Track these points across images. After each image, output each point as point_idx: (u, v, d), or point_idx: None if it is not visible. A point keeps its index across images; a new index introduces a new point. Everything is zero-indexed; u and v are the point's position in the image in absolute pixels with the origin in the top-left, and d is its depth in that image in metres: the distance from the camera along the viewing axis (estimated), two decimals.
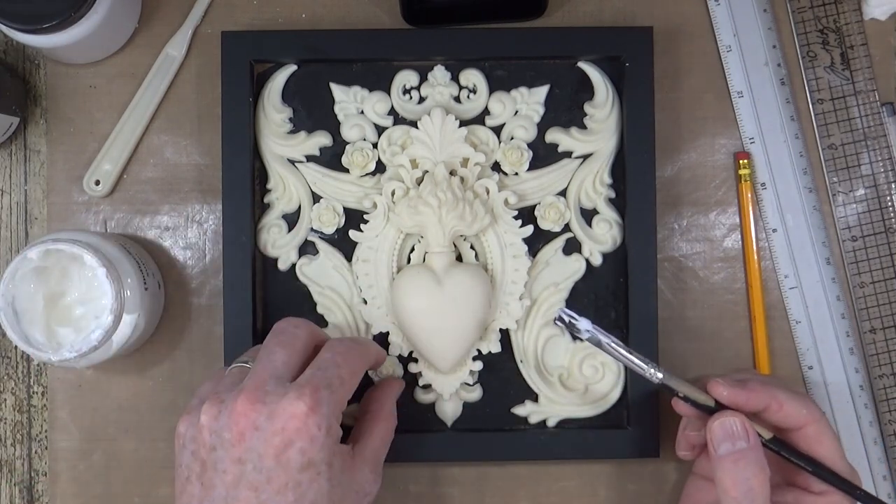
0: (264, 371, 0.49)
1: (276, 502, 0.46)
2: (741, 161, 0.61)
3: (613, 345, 0.53)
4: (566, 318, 0.53)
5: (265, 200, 0.60)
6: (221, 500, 0.46)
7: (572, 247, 0.60)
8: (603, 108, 0.59)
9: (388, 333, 0.59)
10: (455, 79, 0.60)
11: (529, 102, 0.60)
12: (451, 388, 0.59)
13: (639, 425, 0.58)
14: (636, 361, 0.53)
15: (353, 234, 0.59)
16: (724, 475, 0.49)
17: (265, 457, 0.46)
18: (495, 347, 0.59)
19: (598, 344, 0.53)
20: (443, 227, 0.57)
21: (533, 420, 0.60)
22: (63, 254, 0.53)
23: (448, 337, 0.56)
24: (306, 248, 0.60)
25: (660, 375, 0.52)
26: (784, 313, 0.61)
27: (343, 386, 0.49)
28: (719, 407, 0.52)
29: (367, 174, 0.60)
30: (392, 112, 0.60)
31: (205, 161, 0.61)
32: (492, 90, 0.60)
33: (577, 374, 0.59)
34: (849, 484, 0.51)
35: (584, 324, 0.53)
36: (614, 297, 0.60)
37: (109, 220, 0.61)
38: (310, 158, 0.60)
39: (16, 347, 0.60)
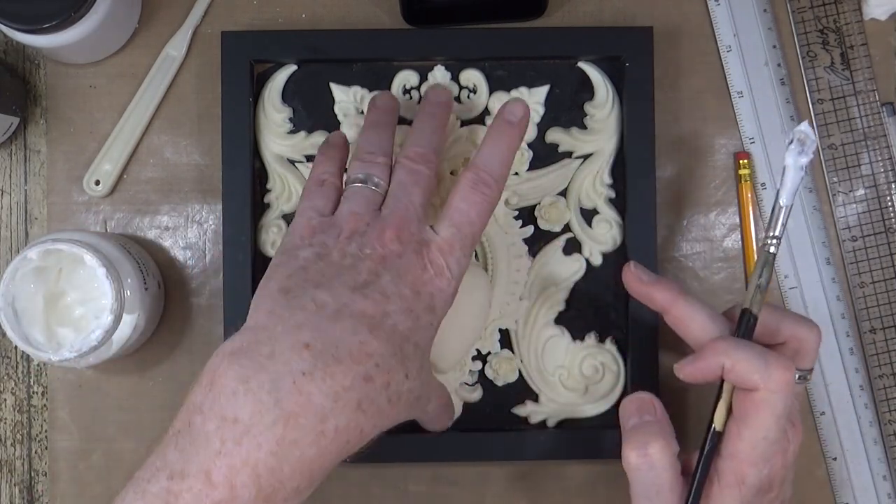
0: (407, 211, 0.49)
1: (397, 318, 0.46)
2: (741, 161, 0.61)
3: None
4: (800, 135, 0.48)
5: (265, 200, 0.60)
6: (347, 290, 0.46)
7: (572, 247, 0.60)
8: (603, 108, 0.59)
9: None
10: (455, 79, 0.60)
11: (529, 102, 0.60)
12: (450, 388, 0.59)
13: None
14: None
15: None
16: (626, 444, 0.50)
17: (403, 279, 0.47)
18: (495, 347, 0.59)
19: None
20: None
21: (533, 420, 0.60)
22: (63, 254, 0.53)
23: (447, 337, 0.56)
24: None
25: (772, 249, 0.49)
26: None
27: (473, 246, 0.51)
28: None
29: None
30: None
31: (205, 161, 0.61)
32: (492, 90, 0.60)
33: (577, 374, 0.59)
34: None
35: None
36: (614, 297, 0.60)
37: (109, 220, 0.61)
38: (310, 158, 0.60)
39: (16, 347, 0.60)
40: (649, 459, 0.48)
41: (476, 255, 0.59)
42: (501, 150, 0.51)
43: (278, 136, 0.60)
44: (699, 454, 0.49)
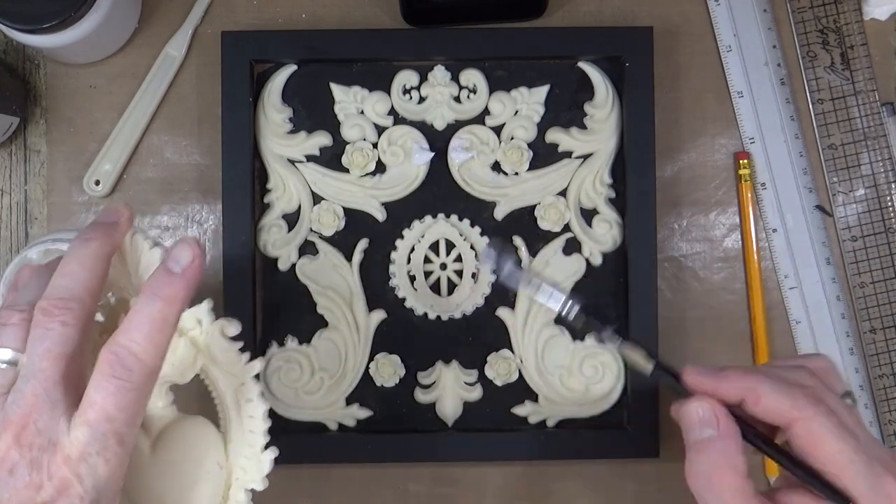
0: (35, 398, 0.38)
1: None
2: (741, 161, 0.61)
3: (533, 279, 0.47)
4: (492, 256, 0.48)
5: (265, 200, 0.60)
6: None
7: (572, 247, 0.60)
8: (603, 108, 0.59)
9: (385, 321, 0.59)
10: (455, 79, 0.60)
11: (529, 102, 0.60)
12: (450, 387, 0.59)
13: (638, 425, 0.58)
14: (555, 291, 0.47)
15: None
16: (687, 464, 0.43)
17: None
18: None
19: (517, 282, 0.47)
20: None
21: (533, 420, 0.60)
22: (63, 254, 0.53)
23: None
24: (306, 248, 0.60)
25: (575, 308, 0.46)
26: (784, 313, 0.61)
27: (121, 443, 0.38)
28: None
29: (367, 174, 0.60)
30: (392, 112, 0.60)
31: (205, 161, 0.61)
32: (492, 90, 0.60)
33: (577, 374, 0.59)
34: (836, 494, 0.42)
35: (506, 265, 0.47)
36: (614, 297, 0.60)
37: None
38: (310, 158, 0.60)
39: None
40: (714, 489, 0.42)
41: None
42: (152, 316, 0.39)
43: (278, 136, 0.60)
44: None
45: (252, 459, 0.44)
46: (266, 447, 0.43)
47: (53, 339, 0.38)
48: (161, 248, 0.42)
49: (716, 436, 0.42)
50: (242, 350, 0.43)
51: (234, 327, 0.43)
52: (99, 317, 0.43)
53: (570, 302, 0.47)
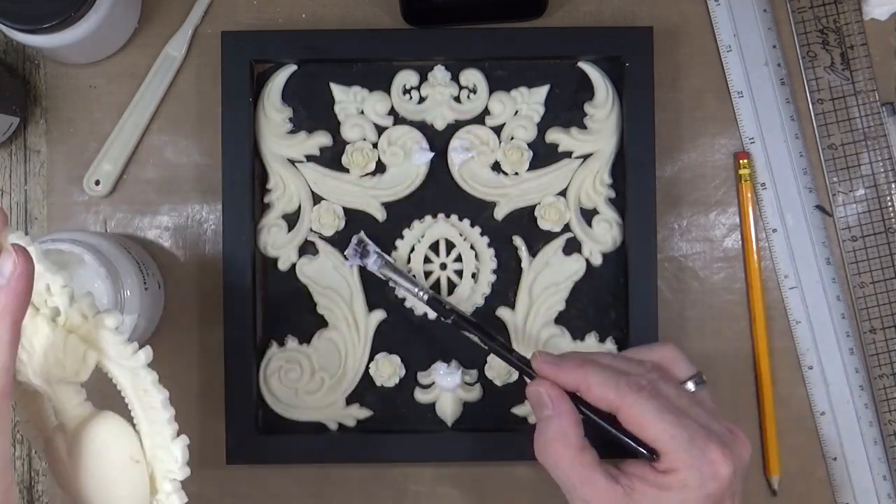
0: None
1: None
2: (741, 161, 0.61)
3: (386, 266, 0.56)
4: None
5: (265, 200, 0.60)
6: None
7: (572, 247, 0.60)
8: (603, 108, 0.59)
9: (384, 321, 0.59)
10: (455, 79, 0.60)
11: (529, 102, 0.60)
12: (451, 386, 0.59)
13: None
14: (404, 283, 0.56)
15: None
16: (534, 442, 0.49)
17: None
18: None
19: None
20: None
21: (533, 420, 0.60)
22: (63, 254, 0.53)
23: None
24: (306, 248, 0.60)
25: (425, 297, 0.55)
26: (784, 313, 0.61)
27: None
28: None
29: (367, 174, 0.60)
30: (392, 112, 0.60)
31: (205, 161, 0.61)
32: (492, 90, 0.60)
33: None
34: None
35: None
36: (614, 297, 0.60)
37: (109, 220, 0.61)
38: (310, 158, 0.60)
39: None
40: (552, 461, 0.48)
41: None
42: None
43: (278, 136, 0.60)
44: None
45: (165, 449, 0.43)
46: (178, 435, 0.42)
47: None
48: (36, 245, 0.41)
49: (552, 415, 0.49)
50: (141, 351, 0.43)
51: (113, 318, 0.42)
52: None
53: (418, 290, 0.55)
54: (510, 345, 0.59)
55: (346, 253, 0.58)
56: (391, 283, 0.58)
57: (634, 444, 0.47)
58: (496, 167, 0.60)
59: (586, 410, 0.49)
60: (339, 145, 0.60)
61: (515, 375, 0.60)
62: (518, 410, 0.60)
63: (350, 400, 0.60)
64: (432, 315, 0.60)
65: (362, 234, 0.58)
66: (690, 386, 0.50)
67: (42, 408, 0.45)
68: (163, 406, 0.43)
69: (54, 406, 0.43)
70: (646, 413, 0.46)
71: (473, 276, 0.60)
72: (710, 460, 0.46)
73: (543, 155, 0.60)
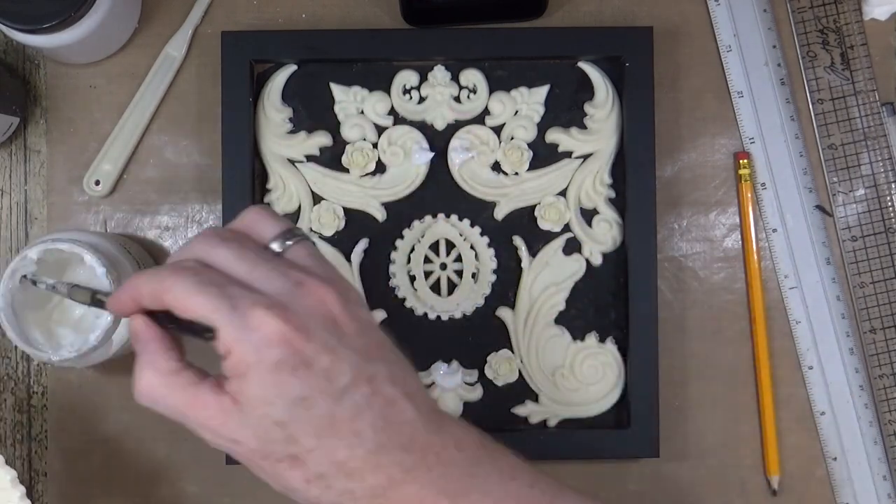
0: None
1: None
2: (741, 161, 0.61)
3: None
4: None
5: (265, 200, 0.60)
6: None
7: (572, 247, 0.60)
8: (603, 108, 0.59)
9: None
10: (455, 79, 0.60)
11: (529, 102, 0.60)
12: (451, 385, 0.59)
13: (639, 425, 0.58)
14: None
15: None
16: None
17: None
18: None
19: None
20: None
21: (533, 420, 0.60)
22: (63, 254, 0.53)
23: None
24: None
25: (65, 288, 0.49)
26: (784, 313, 0.61)
27: None
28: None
29: (367, 174, 0.60)
30: (392, 112, 0.60)
31: (205, 161, 0.61)
32: (492, 90, 0.60)
33: (578, 374, 0.59)
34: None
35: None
36: (614, 297, 0.60)
37: (109, 220, 0.61)
38: (310, 158, 0.60)
39: (16, 347, 0.60)
40: (146, 399, 0.41)
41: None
42: None
43: (278, 136, 0.60)
44: None
45: None
46: None
47: None
48: None
49: (140, 350, 0.41)
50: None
51: None
52: None
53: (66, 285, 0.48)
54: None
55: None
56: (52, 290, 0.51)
57: (192, 333, 0.41)
58: (496, 167, 0.60)
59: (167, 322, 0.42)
60: (339, 145, 0.60)
61: (516, 375, 0.59)
62: (518, 410, 0.60)
63: None
64: (432, 315, 0.60)
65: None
66: (275, 245, 0.41)
67: None
68: (12, 485, 0.44)
69: None
70: (184, 292, 0.39)
71: (473, 276, 0.60)
72: (253, 326, 0.38)
73: (543, 155, 0.60)
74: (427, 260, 0.60)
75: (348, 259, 0.59)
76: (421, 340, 0.60)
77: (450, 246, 0.60)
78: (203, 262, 0.40)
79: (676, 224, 0.61)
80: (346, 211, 0.60)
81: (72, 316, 0.55)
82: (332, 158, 0.60)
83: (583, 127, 0.60)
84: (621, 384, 0.59)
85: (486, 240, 0.60)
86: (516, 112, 0.60)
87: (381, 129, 0.60)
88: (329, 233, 0.60)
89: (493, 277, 0.60)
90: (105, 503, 0.60)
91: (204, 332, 0.40)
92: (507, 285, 0.60)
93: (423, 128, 0.60)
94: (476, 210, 0.60)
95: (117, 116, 0.60)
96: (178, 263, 0.40)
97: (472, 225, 0.60)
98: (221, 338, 0.39)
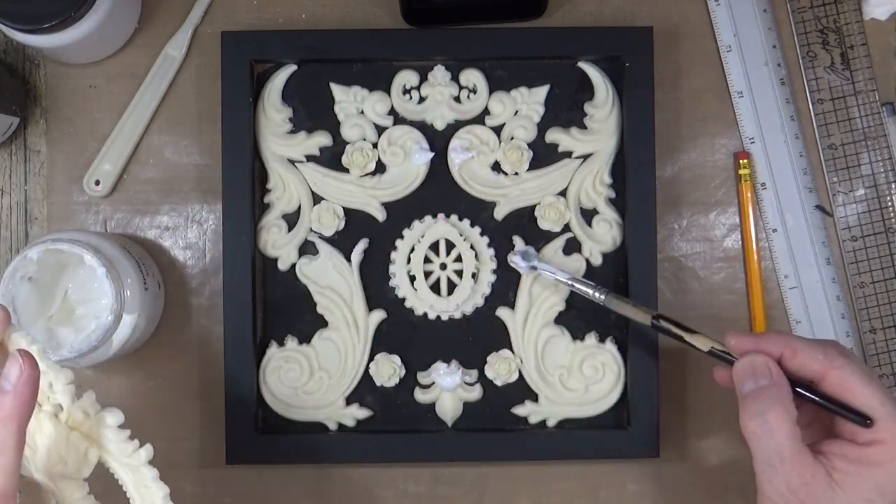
0: None
1: None
2: (741, 161, 0.61)
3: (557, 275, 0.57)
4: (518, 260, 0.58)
5: (265, 200, 0.60)
6: None
7: (572, 247, 0.60)
8: (603, 108, 0.59)
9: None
10: (455, 79, 0.60)
11: (529, 102, 0.60)
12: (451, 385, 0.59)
13: (639, 425, 0.58)
14: (579, 286, 0.57)
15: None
16: (743, 412, 0.48)
17: None
18: None
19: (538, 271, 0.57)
20: None
21: (533, 420, 0.60)
22: (63, 254, 0.53)
23: None
24: (306, 248, 0.60)
25: (602, 297, 0.56)
26: (784, 313, 0.61)
27: None
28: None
29: (367, 174, 0.60)
30: (392, 112, 0.60)
31: (205, 161, 0.61)
32: (492, 90, 0.60)
33: (577, 374, 0.59)
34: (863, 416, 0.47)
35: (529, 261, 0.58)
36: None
37: (109, 220, 0.61)
38: (310, 158, 0.60)
39: None
40: (769, 427, 0.47)
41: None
42: None
43: (278, 136, 0.60)
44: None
45: None
46: None
47: None
48: (38, 344, 0.43)
49: (770, 383, 0.48)
50: (131, 437, 0.45)
51: (114, 416, 0.45)
52: None
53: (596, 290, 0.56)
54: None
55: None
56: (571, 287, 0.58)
57: (845, 411, 0.47)
58: (496, 167, 0.60)
59: (799, 387, 0.48)
60: (339, 145, 0.60)
61: (516, 375, 0.60)
62: (518, 410, 0.60)
63: (350, 400, 0.60)
64: (432, 315, 0.60)
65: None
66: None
67: (45, 502, 0.46)
68: (163, 502, 0.44)
69: (57, 501, 0.45)
70: (855, 376, 0.46)
71: (473, 276, 0.60)
72: None
73: (543, 155, 0.60)
74: (427, 260, 0.60)
75: (348, 259, 0.59)
76: (421, 340, 0.60)
77: (450, 246, 0.60)
78: (845, 350, 0.48)
79: (676, 224, 0.61)
80: (346, 211, 0.60)
81: (72, 316, 0.55)
82: (332, 158, 0.60)
83: (583, 127, 0.60)
84: (621, 384, 0.59)
85: (486, 240, 0.60)
86: (516, 112, 0.60)
87: (381, 129, 0.60)
88: (329, 233, 0.60)
89: (493, 277, 0.60)
90: (105, 503, 0.60)
91: (849, 412, 0.47)
92: (507, 285, 0.60)
93: (423, 128, 0.60)
94: (476, 210, 0.60)
95: (117, 116, 0.60)
96: (839, 347, 0.48)
97: (472, 225, 0.60)
98: (879, 428, 0.45)
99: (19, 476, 0.41)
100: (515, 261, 0.59)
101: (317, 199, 0.60)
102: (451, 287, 0.60)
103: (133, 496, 0.45)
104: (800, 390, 0.48)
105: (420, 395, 0.60)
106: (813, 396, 0.48)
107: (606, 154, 0.59)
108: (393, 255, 0.60)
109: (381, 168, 0.60)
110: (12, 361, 0.41)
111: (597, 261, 0.60)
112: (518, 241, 0.60)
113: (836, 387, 0.47)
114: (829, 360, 0.47)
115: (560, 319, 0.60)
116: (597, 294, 0.56)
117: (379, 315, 0.60)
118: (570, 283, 0.57)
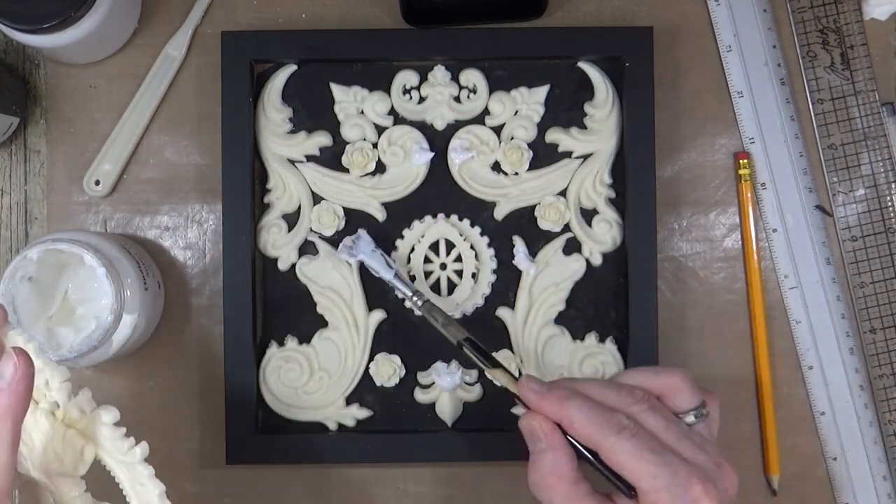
0: None
1: None
2: (741, 161, 0.61)
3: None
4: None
5: (265, 200, 0.60)
6: None
7: (572, 247, 0.60)
8: (603, 108, 0.59)
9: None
10: (455, 79, 0.60)
11: (529, 102, 0.60)
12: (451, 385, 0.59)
13: None
14: (400, 287, 0.56)
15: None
16: (528, 469, 0.49)
17: None
18: None
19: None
20: None
21: None
22: (63, 254, 0.53)
23: None
24: (306, 248, 0.60)
25: (419, 303, 0.55)
26: (784, 313, 0.61)
27: None
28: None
29: (367, 174, 0.60)
30: (392, 112, 0.60)
31: (205, 161, 0.61)
32: (492, 90, 0.60)
33: (577, 374, 0.59)
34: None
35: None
36: (614, 297, 0.60)
37: (109, 220, 0.61)
38: (310, 158, 0.60)
39: None
40: (547, 492, 0.48)
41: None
42: None
43: (278, 136, 0.60)
44: None
45: None
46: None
47: None
48: (34, 342, 0.43)
49: (545, 448, 0.48)
50: (127, 435, 0.45)
51: (110, 414, 0.45)
52: None
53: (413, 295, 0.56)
54: (506, 366, 0.59)
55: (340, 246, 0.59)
56: (390, 285, 0.57)
57: (615, 481, 0.47)
58: (496, 167, 0.60)
59: (575, 443, 0.48)
60: (339, 145, 0.60)
61: (515, 375, 0.59)
62: (518, 410, 0.60)
63: (350, 400, 0.60)
64: None
65: (363, 231, 0.58)
66: (690, 418, 0.49)
67: (43, 499, 0.46)
68: (159, 499, 0.45)
69: (54, 498, 0.45)
70: (625, 453, 0.46)
71: (473, 276, 0.60)
72: (692, 498, 0.45)
73: (543, 155, 0.60)
74: (427, 260, 0.60)
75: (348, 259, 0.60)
76: (421, 340, 0.60)
77: (450, 246, 0.60)
78: (636, 421, 0.47)
79: (676, 224, 0.61)
80: (346, 211, 0.60)
81: (72, 316, 0.55)
82: (332, 158, 0.60)
83: (583, 127, 0.60)
84: None
85: (486, 240, 0.60)
86: (516, 112, 0.60)
87: (381, 129, 0.60)
88: (329, 233, 0.60)
89: (493, 277, 0.60)
90: (102, 500, 0.60)
91: (620, 483, 0.47)
92: (507, 285, 0.60)
93: (423, 128, 0.60)
94: (476, 210, 0.60)
95: (117, 116, 0.60)
96: (616, 420, 0.47)
97: (472, 225, 0.60)
98: (652, 498, 0.46)
99: (16, 473, 0.41)
100: (342, 253, 0.58)
101: (317, 199, 0.60)
102: (451, 287, 0.60)
103: (129, 494, 0.45)
104: (579, 449, 0.48)
105: (420, 395, 0.60)
106: (590, 458, 0.48)
107: (606, 154, 0.59)
108: (393, 255, 0.60)
109: (381, 168, 0.60)
110: (7, 358, 0.41)
111: (597, 261, 0.60)
112: (518, 241, 0.60)
113: (610, 460, 0.47)
114: (601, 437, 0.46)
115: (560, 319, 0.60)
116: (416, 300, 0.56)
117: (379, 315, 0.60)
118: (390, 281, 0.57)
